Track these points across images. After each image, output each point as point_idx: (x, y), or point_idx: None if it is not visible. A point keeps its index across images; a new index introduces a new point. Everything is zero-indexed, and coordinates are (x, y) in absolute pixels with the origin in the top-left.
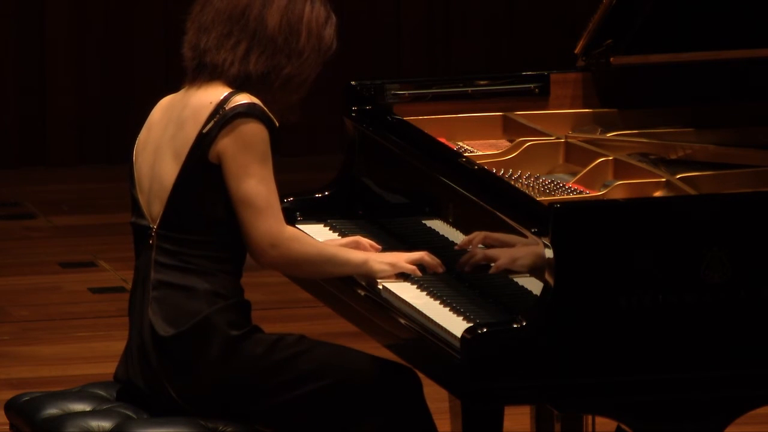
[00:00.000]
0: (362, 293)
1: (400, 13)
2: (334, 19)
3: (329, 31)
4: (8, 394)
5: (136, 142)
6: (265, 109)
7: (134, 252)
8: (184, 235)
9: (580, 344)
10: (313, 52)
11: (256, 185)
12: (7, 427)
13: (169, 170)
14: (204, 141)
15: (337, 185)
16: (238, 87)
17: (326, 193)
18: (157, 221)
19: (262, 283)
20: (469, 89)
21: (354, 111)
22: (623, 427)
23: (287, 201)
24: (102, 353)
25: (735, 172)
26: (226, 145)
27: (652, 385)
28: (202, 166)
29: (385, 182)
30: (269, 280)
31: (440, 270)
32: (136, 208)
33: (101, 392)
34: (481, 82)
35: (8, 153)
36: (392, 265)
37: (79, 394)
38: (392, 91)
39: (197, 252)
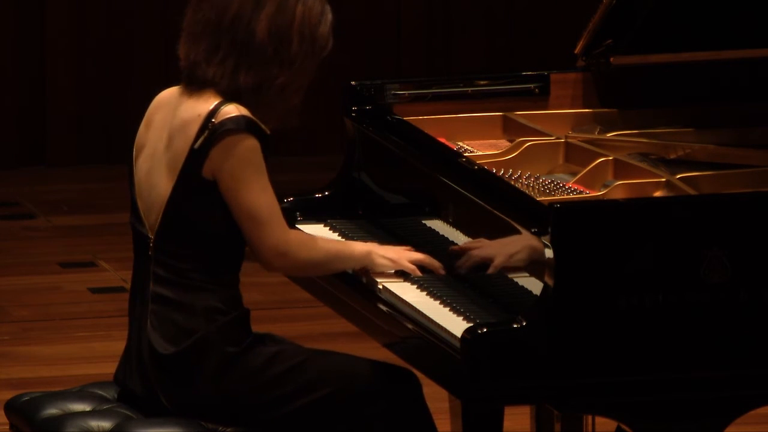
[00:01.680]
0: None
1: (400, 13)
2: (328, 15)
3: (323, 30)
4: (8, 394)
5: (136, 137)
6: (254, 118)
7: (133, 252)
8: (180, 249)
9: (580, 344)
10: (307, 56)
11: (256, 198)
12: (7, 427)
13: (163, 184)
14: (197, 157)
15: (337, 185)
16: (229, 98)
17: (326, 193)
18: (154, 232)
19: (261, 283)
20: (469, 89)
21: (354, 111)
22: (623, 427)
23: (287, 201)
24: (102, 353)
25: (735, 172)
26: (220, 163)
27: (652, 385)
28: (196, 183)
29: (385, 182)
30: (269, 280)
31: (441, 272)
32: (134, 212)
33: (101, 392)
34: (481, 82)
35: (8, 153)
36: (393, 261)
37: (79, 394)
38: (392, 91)
39: (193, 266)
